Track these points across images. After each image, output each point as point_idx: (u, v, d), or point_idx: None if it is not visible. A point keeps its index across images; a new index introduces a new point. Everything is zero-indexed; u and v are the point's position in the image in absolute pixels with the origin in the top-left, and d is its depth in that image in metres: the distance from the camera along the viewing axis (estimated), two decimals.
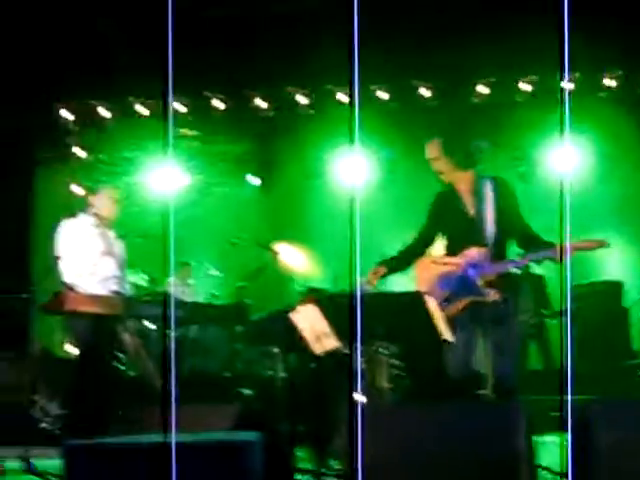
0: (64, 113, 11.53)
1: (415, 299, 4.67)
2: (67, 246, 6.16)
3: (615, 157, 10.57)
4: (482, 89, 10.76)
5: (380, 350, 4.91)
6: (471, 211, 5.05)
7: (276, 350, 7.08)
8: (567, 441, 4.06)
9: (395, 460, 3.93)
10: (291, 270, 10.08)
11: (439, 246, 5.31)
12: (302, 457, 6.02)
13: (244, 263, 10.00)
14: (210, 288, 10.40)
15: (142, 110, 11.25)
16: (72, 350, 6.53)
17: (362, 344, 5.05)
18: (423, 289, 4.93)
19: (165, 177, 10.80)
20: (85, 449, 3.63)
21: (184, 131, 11.40)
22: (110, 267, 6.41)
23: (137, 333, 6.52)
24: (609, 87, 10.57)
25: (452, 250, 5.08)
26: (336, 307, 4.87)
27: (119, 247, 6.66)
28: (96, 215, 6.37)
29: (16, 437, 7.55)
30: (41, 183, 12.00)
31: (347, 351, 6.15)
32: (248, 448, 3.57)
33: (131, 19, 10.47)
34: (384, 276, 5.15)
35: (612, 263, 10.62)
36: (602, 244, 4.92)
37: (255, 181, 11.71)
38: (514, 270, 5.01)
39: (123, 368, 8.27)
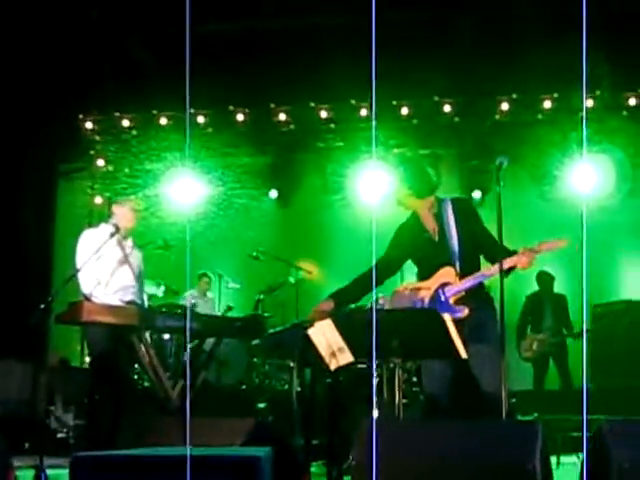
0: (87, 125, 11.61)
1: (431, 315, 4.65)
2: (86, 256, 6.18)
3: (636, 176, 10.51)
4: (504, 106, 10.74)
5: (395, 366, 4.88)
6: (434, 235, 5.12)
7: (292, 364, 7.07)
8: (583, 460, 4.02)
9: (410, 477, 3.90)
10: (309, 285, 10.10)
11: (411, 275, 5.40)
12: (316, 472, 6.01)
13: (263, 276, 10.02)
14: (229, 300, 10.41)
15: (164, 122, 11.31)
16: (88, 360, 6.55)
17: (378, 359, 5.04)
18: None
19: (186, 189, 10.93)
20: (93, 461, 3.62)
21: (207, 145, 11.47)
22: (127, 277, 6.43)
23: (152, 344, 6.52)
24: (631, 106, 10.54)
25: (424, 275, 5.15)
26: (352, 323, 4.85)
27: (137, 258, 6.68)
28: (116, 225, 6.39)
29: (31, 446, 7.61)
30: (63, 194, 12.08)
31: (362, 366, 6.15)
32: (261, 464, 3.55)
33: (155, 34, 10.56)
34: (336, 309, 5.17)
35: (633, 282, 10.56)
36: (562, 243, 4.91)
37: (275, 194, 11.73)
38: (485, 282, 5.07)
39: (137, 379, 8.32)
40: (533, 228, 9.62)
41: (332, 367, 4.95)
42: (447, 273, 5.01)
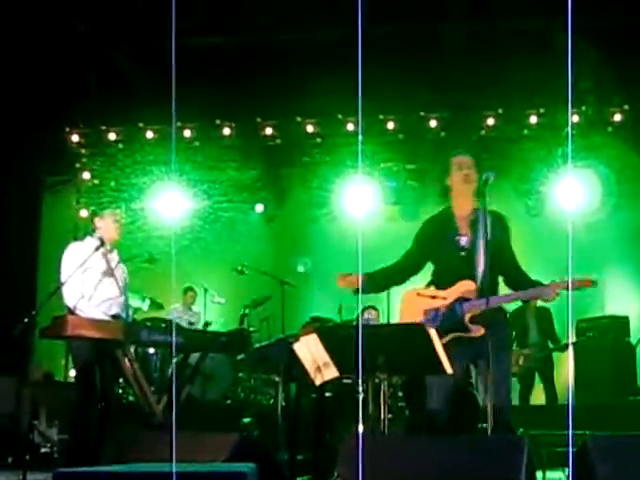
0: (73, 138, 11.58)
1: (417, 331, 4.63)
2: (70, 269, 6.15)
3: (621, 191, 10.56)
4: (490, 121, 10.79)
5: (381, 381, 4.86)
6: (466, 242, 4.93)
7: (277, 379, 7.05)
8: (569, 475, 4.02)
9: None
10: (295, 299, 10.08)
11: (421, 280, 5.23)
12: None
13: (249, 290, 10.00)
14: (214, 314, 10.38)
15: (150, 136, 11.30)
16: (72, 374, 6.50)
17: (363, 374, 5.02)
18: (408, 321, 4.87)
19: (171, 203, 10.90)
20: (75, 477, 3.59)
21: (194, 158, 11.46)
22: (112, 290, 6.40)
23: (137, 358, 6.49)
24: (616, 121, 10.60)
25: (442, 280, 4.95)
26: (337, 337, 4.84)
27: (122, 271, 6.65)
28: (101, 239, 6.36)
29: (14, 461, 7.53)
30: (49, 207, 12.03)
31: (347, 381, 6.13)
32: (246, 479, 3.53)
33: (142, 47, 10.55)
34: (356, 289, 5.04)
35: (618, 298, 10.58)
36: (592, 284, 4.84)
37: (261, 209, 11.72)
38: (499, 306, 4.95)
39: (122, 393, 8.27)
40: (519, 243, 9.62)
41: (317, 382, 4.94)
42: (467, 287, 4.84)
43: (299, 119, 11.19)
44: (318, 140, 11.30)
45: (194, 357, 6.86)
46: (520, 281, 4.85)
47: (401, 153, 11.08)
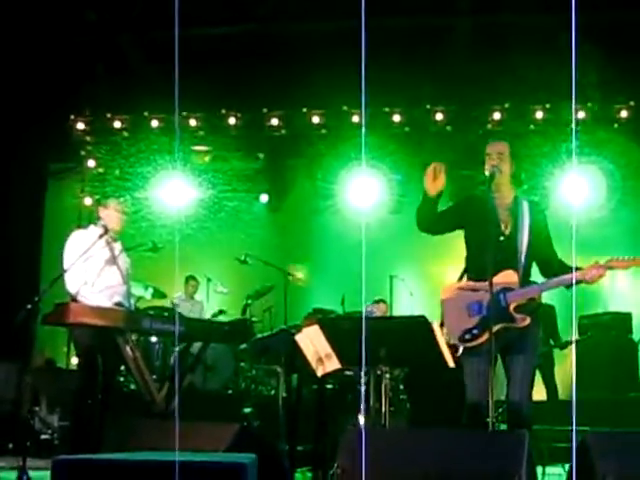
0: (79, 125, 11.57)
1: (419, 324, 4.63)
2: (73, 257, 6.15)
3: (626, 188, 10.54)
4: (496, 116, 10.77)
5: (383, 373, 4.86)
6: (505, 230, 4.87)
7: (279, 369, 7.05)
8: (569, 471, 4.02)
9: None
10: (298, 290, 10.09)
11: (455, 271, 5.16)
12: (301, 479, 5.99)
13: (252, 280, 10.00)
14: (217, 304, 10.39)
15: (156, 125, 11.29)
16: (74, 361, 6.51)
17: (366, 367, 5.01)
18: (451, 315, 4.80)
19: (176, 192, 10.89)
20: (75, 464, 3.59)
21: (199, 148, 11.44)
22: (114, 279, 6.40)
23: (139, 346, 6.48)
24: (622, 118, 10.58)
25: (479, 268, 4.79)
26: (339, 329, 4.83)
27: (125, 261, 6.64)
28: (105, 227, 6.36)
29: (14, 447, 7.55)
30: (53, 194, 12.03)
31: (348, 373, 6.14)
32: (246, 470, 3.53)
33: (149, 35, 10.54)
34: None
35: (621, 294, 10.58)
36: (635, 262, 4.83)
37: (266, 199, 11.72)
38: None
39: (123, 381, 8.28)
40: None
41: (319, 373, 4.94)
42: (510, 277, 4.77)
43: (305, 110, 11.17)
44: (323, 131, 11.28)
45: (196, 346, 6.87)
46: (554, 268, 4.81)
47: (406, 146, 11.06)
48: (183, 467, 3.38)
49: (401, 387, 6.76)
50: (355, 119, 10.86)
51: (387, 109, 10.84)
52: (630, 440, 4.16)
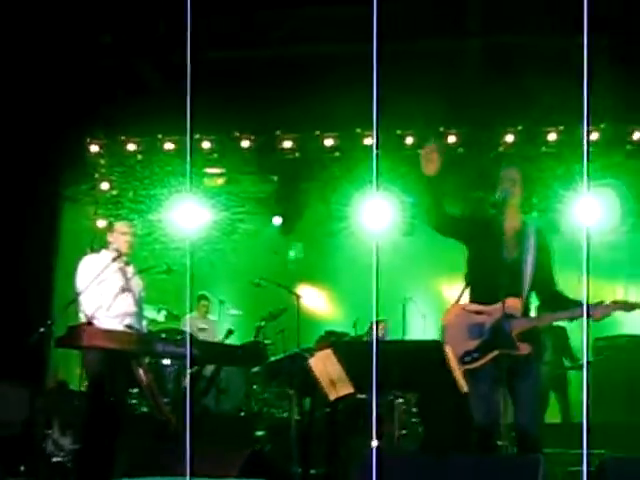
0: (93, 148, 11.63)
1: (433, 348, 4.61)
2: (86, 281, 6.16)
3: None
4: (509, 138, 10.76)
5: (396, 397, 4.85)
6: (512, 254, 4.85)
7: (291, 392, 7.04)
8: None
9: None
10: (311, 313, 10.08)
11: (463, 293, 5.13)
12: None
13: (265, 302, 10.00)
14: (229, 326, 10.37)
15: (170, 147, 11.33)
16: (87, 384, 6.51)
17: (378, 391, 4.98)
18: (452, 336, 4.80)
19: (189, 214, 10.92)
20: None
21: (212, 170, 11.46)
22: (127, 303, 6.41)
23: (151, 369, 6.49)
24: (635, 140, 10.55)
25: (482, 291, 4.82)
26: (352, 353, 4.82)
27: (137, 283, 6.65)
28: (118, 251, 6.38)
29: (26, 470, 7.54)
30: (67, 217, 12.07)
31: (361, 397, 6.11)
32: None
33: (163, 58, 10.60)
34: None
35: (636, 316, 10.50)
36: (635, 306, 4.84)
37: (279, 221, 11.73)
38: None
39: (136, 404, 8.27)
40: None
41: (331, 397, 4.92)
42: (514, 304, 4.76)
43: (318, 133, 11.19)
44: (337, 154, 11.30)
45: (209, 369, 6.86)
46: (556, 300, 4.81)
47: (419, 168, 11.03)
48: None
49: (414, 410, 6.72)
50: (368, 141, 10.87)
51: (399, 131, 10.85)
52: None
